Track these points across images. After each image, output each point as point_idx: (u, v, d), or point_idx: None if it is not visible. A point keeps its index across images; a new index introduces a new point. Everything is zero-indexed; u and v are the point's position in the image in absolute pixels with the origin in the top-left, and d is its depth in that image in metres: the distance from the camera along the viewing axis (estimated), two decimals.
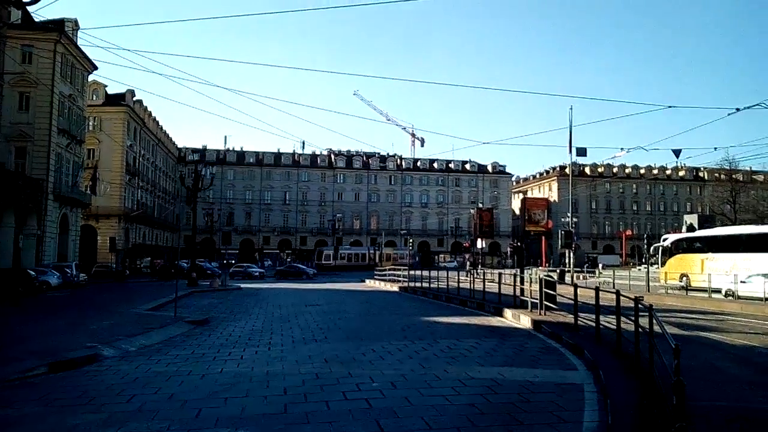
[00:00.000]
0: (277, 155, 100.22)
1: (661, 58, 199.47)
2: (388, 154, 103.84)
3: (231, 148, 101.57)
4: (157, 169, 79.37)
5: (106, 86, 61.75)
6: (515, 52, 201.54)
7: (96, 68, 48.23)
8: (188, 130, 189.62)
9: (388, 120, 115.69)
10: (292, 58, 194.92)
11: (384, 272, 44.26)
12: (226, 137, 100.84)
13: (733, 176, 76.67)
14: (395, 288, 35.45)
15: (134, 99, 65.72)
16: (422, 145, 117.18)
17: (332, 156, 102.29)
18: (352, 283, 44.48)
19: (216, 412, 7.06)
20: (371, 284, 42.41)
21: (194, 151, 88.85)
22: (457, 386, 8.48)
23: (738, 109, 21.22)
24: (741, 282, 25.00)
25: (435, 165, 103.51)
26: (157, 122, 79.49)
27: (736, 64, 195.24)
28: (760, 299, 22.56)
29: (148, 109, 73.05)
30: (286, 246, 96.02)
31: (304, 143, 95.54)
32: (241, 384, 8.71)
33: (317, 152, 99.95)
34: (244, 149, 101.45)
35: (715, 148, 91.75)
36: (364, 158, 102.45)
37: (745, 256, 28.11)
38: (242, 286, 38.92)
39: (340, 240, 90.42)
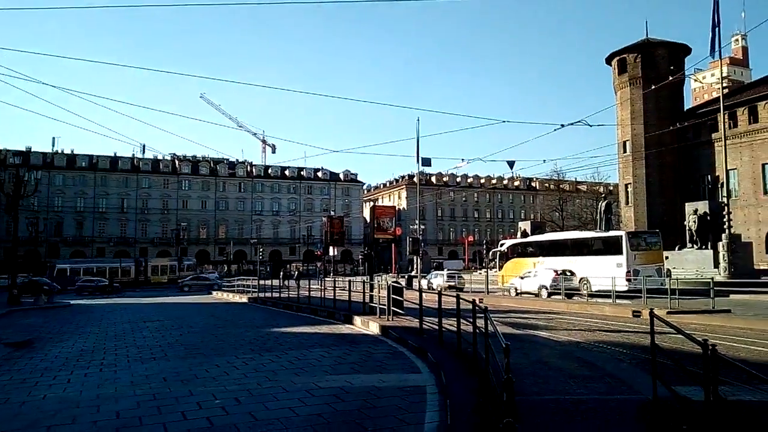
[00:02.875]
0: (114, 159, 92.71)
1: (500, 75, 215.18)
2: (237, 160, 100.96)
3: (60, 151, 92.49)
4: None
5: None
6: (368, 65, 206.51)
7: None
8: (8, 130, 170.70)
9: (239, 126, 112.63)
10: (135, 58, 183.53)
11: (232, 283, 42.97)
12: (54, 139, 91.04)
13: (561, 186, 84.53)
14: (244, 299, 34.48)
15: None
16: (273, 152, 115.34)
17: (176, 161, 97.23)
18: (198, 295, 42.59)
19: None
20: (219, 296, 40.92)
21: (16, 153, 79.77)
22: (304, 397, 8.37)
23: (563, 125, 23.34)
24: (520, 278, 30.62)
25: (287, 172, 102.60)
26: None
27: (563, 83, 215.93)
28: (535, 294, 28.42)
29: None
30: (124, 257, 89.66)
31: (144, 147, 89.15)
32: (67, 410, 7.88)
33: (159, 157, 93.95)
34: (75, 152, 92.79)
35: (544, 161, 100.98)
36: (212, 164, 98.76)
37: (570, 259, 30.91)
38: (72, 302, 35.60)
39: (184, 251, 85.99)
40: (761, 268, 42.49)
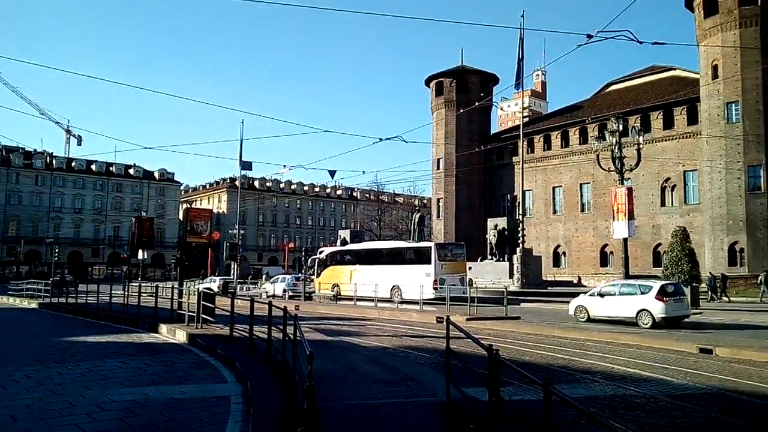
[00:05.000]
0: None
1: (325, 87, 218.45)
2: (35, 150, 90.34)
3: None
4: None
5: None
6: (194, 62, 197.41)
7: None
8: None
9: (41, 114, 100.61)
10: None
11: (21, 287, 38.31)
12: None
13: (380, 197, 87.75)
14: (34, 304, 30.89)
15: None
16: (79, 144, 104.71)
17: None
18: None
19: None
20: (3, 300, 36.23)
21: None
22: (94, 412, 7.70)
23: (381, 139, 24.29)
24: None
25: (93, 167, 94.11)
26: None
27: (386, 100, 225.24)
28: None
29: None
30: None
31: None
32: None
33: None
34: None
35: (364, 172, 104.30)
36: (4, 152, 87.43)
37: (385, 267, 32.05)
38: None
39: None
40: (549, 279, 47.81)
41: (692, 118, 47.21)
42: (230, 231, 66.16)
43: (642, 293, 18.52)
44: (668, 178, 49.11)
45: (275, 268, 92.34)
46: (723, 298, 31.59)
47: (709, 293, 31.16)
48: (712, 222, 43.50)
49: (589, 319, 19.71)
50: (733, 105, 42.35)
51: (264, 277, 50.23)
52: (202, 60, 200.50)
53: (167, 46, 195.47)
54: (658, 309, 17.93)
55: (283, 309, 9.46)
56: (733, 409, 8.07)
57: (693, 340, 14.50)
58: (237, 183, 55.32)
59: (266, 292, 36.85)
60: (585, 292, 22.40)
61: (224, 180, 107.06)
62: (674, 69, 56.02)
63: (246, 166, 32.86)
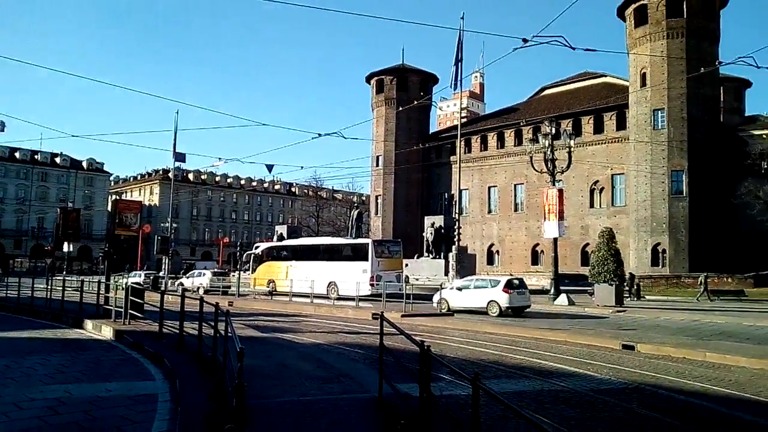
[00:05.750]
0: None
1: (264, 79, 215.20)
2: None
3: None
4: None
5: None
6: (125, 49, 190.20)
7: None
8: None
9: None
10: None
11: None
12: None
13: (319, 193, 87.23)
14: None
15: None
16: (2, 131, 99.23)
17: None
18: None
19: None
20: None
21: None
22: (11, 411, 7.35)
23: (320, 135, 23.86)
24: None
25: (17, 155, 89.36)
26: None
27: (326, 95, 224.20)
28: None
29: None
30: None
31: None
32: None
33: None
34: None
35: (302, 167, 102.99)
36: None
37: (322, 263, 31.86)
38: None
39: None
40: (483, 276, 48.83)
41: (621, 124, 49.24)
42: (162, 224, 64.24)
43: (492, 287, 21.42)
44: (597, 181, 51.05)
45: (210, 263, 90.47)
46: (634, 298, 32.71)
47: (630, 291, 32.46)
48: (637, 224, 45.52)
49: (449, 310, 22.15)
50: (660, 112, 44.45)
51: (182, 272, 48.73)
52: (136, 48, 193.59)
53: (103, 34, 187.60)
54: (503, 300, 20.94)
55: (215, 305, 9.27)
56: (652, 403, 8.46)
57: (545, 329, 15.13)
58: (170, 175, 53.68)
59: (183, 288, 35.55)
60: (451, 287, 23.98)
61: (157, 171, 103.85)
62: (605, 76, 58.28)
63: (180, 157, 31.89)
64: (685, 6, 43.73)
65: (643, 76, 45.59)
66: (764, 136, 47.57)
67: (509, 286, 21.28)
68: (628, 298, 30.18)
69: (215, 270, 41.63)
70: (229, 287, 34.90)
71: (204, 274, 38.04)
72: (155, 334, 13.28)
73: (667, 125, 43.90)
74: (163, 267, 38.83)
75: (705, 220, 42.75)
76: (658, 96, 44.26)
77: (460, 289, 22.63)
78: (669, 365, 11.73)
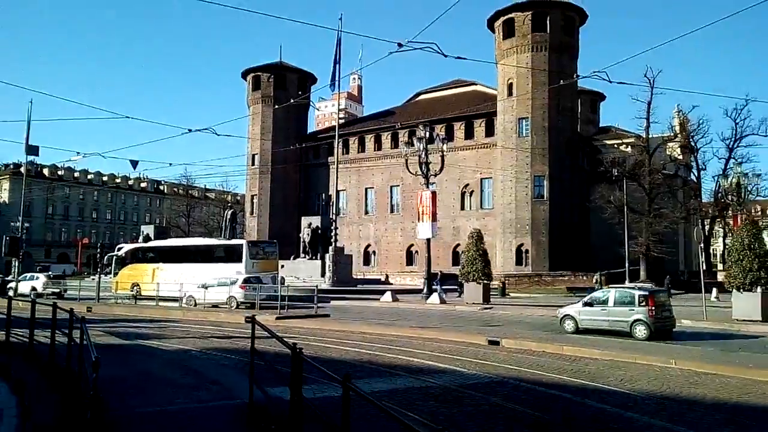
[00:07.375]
0: None
1: (131, 71, 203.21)
2: None
3: None
4: None
5: None
6: None
7: None
8: None
9: None
10: None
11: None
12: None
13: (190, 192, 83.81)
14: None
15: None
16: None
17: None
18: None
19: None
20: None
21: None
22: None
23: (190, 130, 22.82)
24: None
25: None
26: None
27: (199, 90, 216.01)
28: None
29: None
30: None
31: None
32: None
33: None
34: None
35: (171, 164, 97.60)
36: None
37: (193, 265, 30.54)
38: None
39: None
40: (359, 277, 49.33)
41: (490, 131, 51.88)
42: (12, 224, 58.82)
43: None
44: (467, 184, 53.40)
45: (68, 265, 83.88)
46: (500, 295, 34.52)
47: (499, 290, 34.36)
48: (503, 225, 48.16)
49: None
50: (524, 121, 47.35)
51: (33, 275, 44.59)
52: None
53: None
54: (240, 295, 24.03)
55: (70, 311, 8.58)
56: (515, 396, 8.96)
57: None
58: (22, 170, 49.22)
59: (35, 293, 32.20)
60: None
61: (7, 166, 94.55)
62: (476, 84, 61.16)
63: (33, 150, 29.18)
64: (548, 22, 46.95)
65: (510, 86, 48.35)
66: (615, 145, 52.31)
67: (247, 282, 24.68)
68: (495, 296, 31.86)
69: (50, 274, 38.61)
70: (66, 291, 32.49)
71: (38, 278, 34.66)
72: (2, 343, 12.05)
73: (531, 133, 46.87)
74: (12, 271, 35.50)
75: (563, 222, 46.13)
76: (523, 105, 47.14)
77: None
78: (531, 359, 12.49)
